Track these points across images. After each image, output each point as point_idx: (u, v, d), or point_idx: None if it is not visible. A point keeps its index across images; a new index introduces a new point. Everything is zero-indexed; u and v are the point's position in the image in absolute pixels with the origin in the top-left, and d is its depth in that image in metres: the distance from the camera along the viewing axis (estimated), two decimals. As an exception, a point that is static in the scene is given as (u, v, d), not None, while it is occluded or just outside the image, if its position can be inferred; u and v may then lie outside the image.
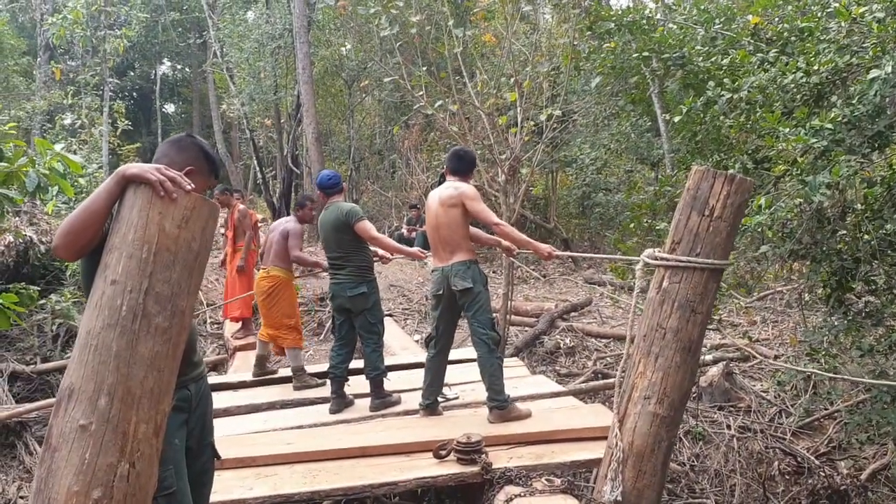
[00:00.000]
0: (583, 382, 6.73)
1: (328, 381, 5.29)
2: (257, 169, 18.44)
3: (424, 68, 7.11)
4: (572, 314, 9.52)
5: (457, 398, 5.24)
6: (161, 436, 2.05)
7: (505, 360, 6.29)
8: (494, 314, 7.47)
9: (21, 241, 8.25)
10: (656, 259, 3.67)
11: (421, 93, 6.62)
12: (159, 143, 26.33)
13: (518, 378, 5.73)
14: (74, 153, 14.97)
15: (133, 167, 2.04)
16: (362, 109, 18.14)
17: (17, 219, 8.55)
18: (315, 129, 15.41)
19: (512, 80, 6.32)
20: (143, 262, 1.99)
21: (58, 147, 5.59)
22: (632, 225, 5.68)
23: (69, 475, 1.85)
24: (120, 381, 1.93)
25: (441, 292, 4.61)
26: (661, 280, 3.59)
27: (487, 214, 4.50)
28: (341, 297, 5.07)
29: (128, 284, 1.97)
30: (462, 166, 4.72)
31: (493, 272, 11.85)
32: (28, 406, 7.08)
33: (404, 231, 12.64)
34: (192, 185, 2.09)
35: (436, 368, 4.74)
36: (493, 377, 4.50)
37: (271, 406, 5.39)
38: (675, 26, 5.26)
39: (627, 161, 13.93)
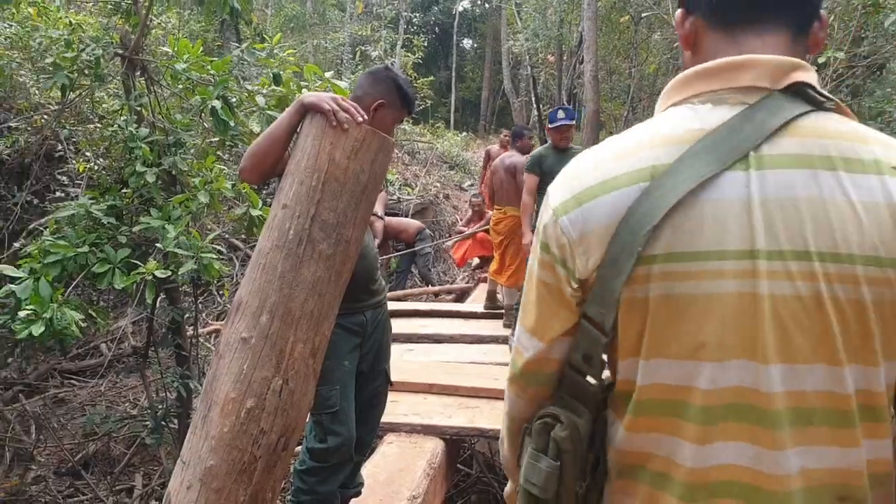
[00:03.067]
0: None
1: None
2: (535, 105, 18.51)
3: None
4: None
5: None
6: (319, 357, 2.14)
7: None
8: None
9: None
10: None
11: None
12: (453, 77, 27.43)
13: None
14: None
15: (311, 96, 2.09)
16: (647, 47, 17.26)
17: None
18: (594, 66, 14.98)
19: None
20: (312, 189, 2.05)
21: (328, 74, 6.03)
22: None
23: (229, 382, 2.00)
24: (282, 300, 2.03)
25: None
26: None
27: None
28: None
29: (297, 209, 2.05)
30: None
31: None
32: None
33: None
34: (366, 116, 2.10)
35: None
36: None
37: (494, 339, 5.49)
38: None
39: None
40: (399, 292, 8.38)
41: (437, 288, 8.55)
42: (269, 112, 5.32)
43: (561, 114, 4.97)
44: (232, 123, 5.10)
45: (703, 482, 0.92)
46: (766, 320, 0.87)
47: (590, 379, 1.02)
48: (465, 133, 30.34)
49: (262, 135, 2.16)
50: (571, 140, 5.09)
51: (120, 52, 5.56)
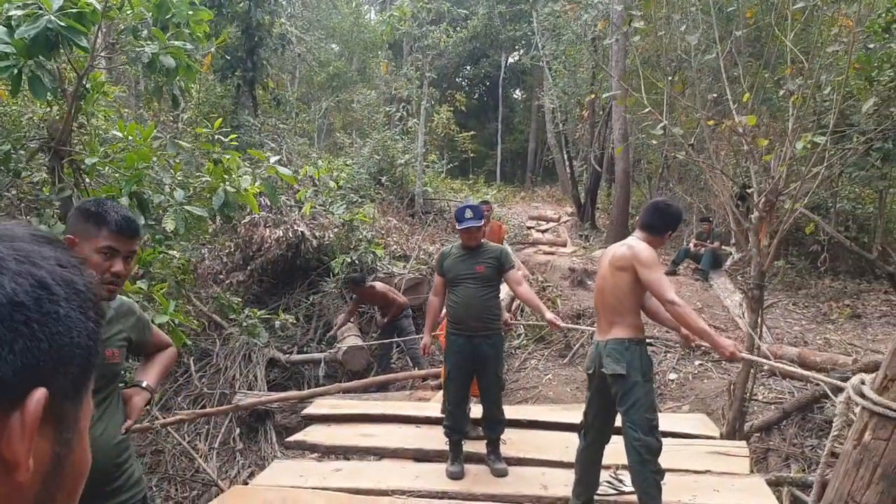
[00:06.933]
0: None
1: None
2: (567, 163, 18.05)
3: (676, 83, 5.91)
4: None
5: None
6: None
7: (727, 444, 5.02)
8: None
9: (294, 236, 8.85)
10: (863, 396, 2.48)
11: (651, 109, 5.52)
12: (499, 129, 27.65)
13: (728, 476, 4.43)
14: (397, 142, 15.93)
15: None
16: (680, 104, 16.64)
17: (294, 215, 9.21)
18: (623, 125, 14.48)
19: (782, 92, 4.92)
20: None
21: (273, 159, 5.68)
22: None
23: None
24: None
25: (592, 372, 3.71)
26: (861, 430, 2.42)
27: (662, 287, 3.46)
28: None
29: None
30: (656, 222, 3.70)
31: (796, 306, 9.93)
32: (273, 395, 7.53)
33: (690, 246, 11.21)
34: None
35: (586, 463, 3.83)
36: (644, 494, 3.49)
37: (437, 456, 4.90)
38: None
39: None
40: (381, 377, 7.93)
41: (423, 372, 8.00)
42: (186, 207, 4.99)
43: (468, 213, 4.51)
44: (142, 222, 4.78)
45: None
46: None
47: None
48: (510, 187, 29.98)
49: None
50: (480, 239, 4.63)
51: (46, 142, 5.33)
